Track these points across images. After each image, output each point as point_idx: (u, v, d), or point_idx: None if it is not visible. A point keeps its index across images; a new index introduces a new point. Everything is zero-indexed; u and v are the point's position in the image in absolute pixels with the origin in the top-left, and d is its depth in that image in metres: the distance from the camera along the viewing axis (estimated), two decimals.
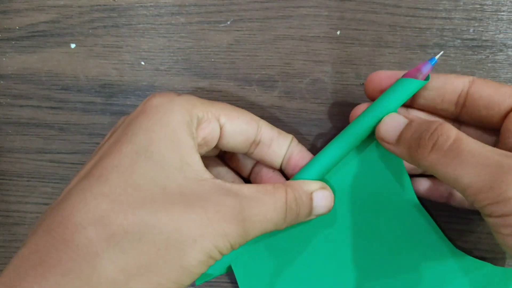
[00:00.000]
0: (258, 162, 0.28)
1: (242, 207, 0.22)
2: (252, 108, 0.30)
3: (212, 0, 0.30)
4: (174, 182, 0.21)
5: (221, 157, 0.29)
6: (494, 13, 0.29)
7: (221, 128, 0.24)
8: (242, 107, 0.30)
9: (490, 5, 0.29)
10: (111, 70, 0.30)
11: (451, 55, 0.29)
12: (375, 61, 0.29)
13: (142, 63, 0.30)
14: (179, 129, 0.22)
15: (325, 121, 0.30)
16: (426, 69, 0.24)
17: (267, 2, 0.29)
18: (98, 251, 0.19)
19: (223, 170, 0.28)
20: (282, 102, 0.30)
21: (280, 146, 0.26)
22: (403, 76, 0.24)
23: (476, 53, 0.29)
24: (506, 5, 0.29)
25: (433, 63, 0.24)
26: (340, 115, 0.30)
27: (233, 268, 0.27)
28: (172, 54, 0.30)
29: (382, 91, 0.25)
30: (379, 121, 0.24)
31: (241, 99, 0.30)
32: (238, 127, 0.25)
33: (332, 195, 0.25)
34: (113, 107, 0.30)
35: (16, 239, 0.31)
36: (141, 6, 0.30)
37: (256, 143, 0.26)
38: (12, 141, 0.31)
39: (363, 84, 0.29)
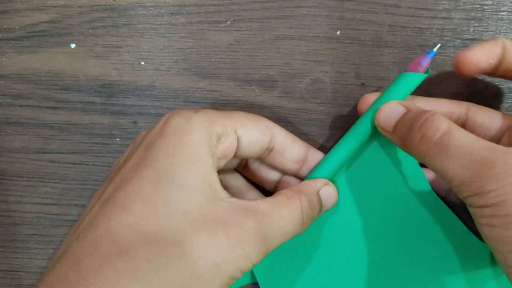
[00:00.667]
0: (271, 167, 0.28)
1: (261, 226, 0.22)
2: (252, 108, 0.30)
3: (212, 0, 0.30)
4: (196, 206, 0.21)
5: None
6: (494, 13, 0.29)
7: (238, 140, 0.25)
8: (242, 107, 0.30)
9: (490, 5, 0.29)
10: (111, 70, 0.30)
11: (451, 55, 0.29)
12: (375, 61, 0.29)
13: (142, 63, 0.30)
14: (199, 149, 0.22)
15: (325, 121, 0.30)
16: (425, 62, 0.25)
17: (267, 2, 0.29)
18: (126, 283, 0.19)
19: (234, 177, 0.29)
20: (282, 102, 0.30)
21: (292, 154, 0.27)
22: (405, 70, 0.25)
23: None
24: (506, 5, 0.29)
25: (432, 55, 0.25)
26: (340, 115, 0.30)
27: (254, 271, 0.28)
28: (172, 54, 0.30)
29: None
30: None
31: (241, 99, 0.30)
32: (254, 137, 0.25)
33: (336, 189, 0.26)
34: (113, 107, 0.30)
35: (16, 239, 0.31)
36: (141, 6, 0.30)
37: (269, 149, 0.26)
38: (12, 141, 0.31)
39: (363, 84, 0.29)
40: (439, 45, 0.25)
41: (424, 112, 0.23)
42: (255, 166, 0.28)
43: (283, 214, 0.23)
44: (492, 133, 0.25)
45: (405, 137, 0.23)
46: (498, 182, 0.20)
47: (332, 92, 0.30)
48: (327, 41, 0.29)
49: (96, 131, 0.31)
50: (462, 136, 0.21)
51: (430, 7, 0.29)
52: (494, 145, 0.21)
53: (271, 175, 0.28)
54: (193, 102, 0.30)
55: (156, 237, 0.20)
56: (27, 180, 0.31)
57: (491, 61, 0.24)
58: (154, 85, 0.30)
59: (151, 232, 0.20)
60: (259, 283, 0.28)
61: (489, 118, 0.26)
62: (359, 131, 0.26)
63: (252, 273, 0.28)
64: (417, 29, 0.29)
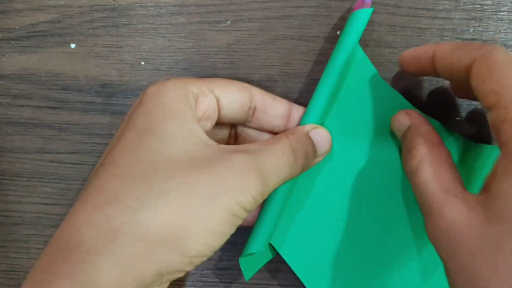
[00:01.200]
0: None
1: (253, 158, 0.22)
2: None
3: (212, 0, 0.30)
4: (180, 149, 0.21)
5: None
6: (494, 13, 0.29)
7: (217, 101, 0.25)
8: None
9: (490, 5, 0.29)
10: (111, 70, 0.30)
11: None
12: (375, 61, 0.29)
13: (142, 63, 0.30)
14: (176, 103, 0.23)
15: None
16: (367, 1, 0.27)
17: (267, 2, 0.29)
18: (116, 224, 0.19)
19: None
20: None
21: (275, 110, 0.27)
22: (353, 10, 0.27)
23: None
24: (506, 5, 0.29)
25: None
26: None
27: (273, 245, 0.28)
28: (172, 54, 0.30)
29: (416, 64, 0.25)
30: (349, 54, 0.26)
31: None
32: (232, 96, 0.25)
33: (326, 131, 0.26)
34: (113, 107, 0.30)
35: (16, 239, 0.31)
36: (141, 6, 0.30)
37: (252, 109, 0.27)
38: (12, 141, 0.31)
39: None
40: None
41: (415, 138, 0.24)
42: (245, 133, 0.28)
43: (273, 149, 0.23)
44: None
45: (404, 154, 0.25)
46: (431, 226, 0.22)
47: None
48: (327, 41, 0.29)
49: (96, 131, 0.31)
50: (425, 173, 0.23)
51: (430, 7, 0.29)
52: (446, 189, 0.22)
53: (262, 139, 0.28)
54: None
55: (143, 180, 0.20)
56: (27, 180, 0.31)
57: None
58: None
59: (137, 177, 0.20)
60: (286, 259, 0.28)
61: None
62: (332, 75, 0.26)
63: (271, 248, 0.28)
64: (417, 29, 0.29)
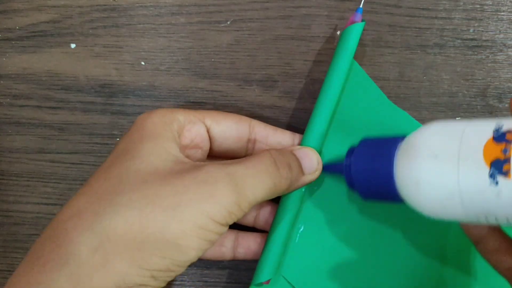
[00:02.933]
0: None
1: (222, 166, 0.21)
2: (252, 108, 0.30)
3: (212, 0, 0.30)
4: (149, 164, 0.21)
5: None
6: (494, 13, 0.29)
7: (208, 130, 0.25)
8: (242, 107, 0.30)
9: (490, 5, 0.29)
10: (111, 70, 0.30)
11: (451, 55, 0.29)
12: (375, 61, 0.29)
13: (142, 63, 0.30)
14: (156, 127, 0.23)
15: None
16: (358, 18, 0.27)
17: (267, 2, 0.29)
18: (73, 237, 0.19)
19: None
20: (282, 102, 0.30)
21: (277, 142, 0.27)
22: (343, 29, 0.27)
23: (476, 53, 0.29)
24: (506, 5, 0.29)
25: (360, 11, 0.27)
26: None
27: (287, 279, 0.27)
28: (172, 54, 0.30)
29: None
30: (345, 73, 0.26)
31: (241, 99, 0.30)
32: (227, 127, 0.25)
33: (313, 151, 0.25)
34: (113, 107, 0.30)
35: (16, 239, 0.31)
36: (141, 6, 0.30)
37: (252, 141, 0.26)
38: (12, 141, 0.31)
39: None
40: (362, 1, 0.27)
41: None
42: None
43: (251, 160, 0.22)
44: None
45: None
46: None
47: None
48: (327, 41, 0.29)
49: (96, 131, 0.31)
50: None
51: (430, 7, 0.29)
52: None
53: None
54: (193, 102, 0.30)
55: (105, 194, 0.20)
56: (27, 180, 0.31)
57: None
58: (154, 85, 0.30)
59: (101, 192, 0.21)
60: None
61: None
62: (329, 95, 0.26)
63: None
64: (417, 29, 0.29)
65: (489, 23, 0.29)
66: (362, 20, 0.27)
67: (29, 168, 0.31)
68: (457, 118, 0.29)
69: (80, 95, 0.30)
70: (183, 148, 0.24)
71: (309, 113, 0.30)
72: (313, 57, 0.29)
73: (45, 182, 0.31)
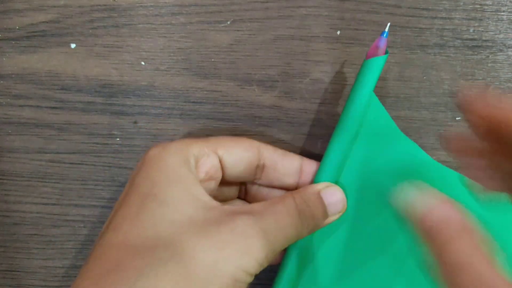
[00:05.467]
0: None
1: (256, 220, 0.22)
2: (252, 108, 0.30)
3: (212, 0, 0.30)
4: (182, 214, 0.21)
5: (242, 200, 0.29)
6: (494, 13, 0.29)
7: (220, 160, 0.25)
8: (242, 107, 0.30)
9: (490, 5, 0.29)
10: (111, 70, 0.30)
11: (451, 55, 0.29)
12: None
13: (142, 63, 0.30)
14: (178, 168, 0.23)
15: (325, 121, 0.30)
16: (382, 43, 0.25)
17: (267, 2, 0.29)
18: None
19: (236, 203, 0.29)
20: (282, 102, 0.30)
21: (286, 167, 0.26)
22: (366, 57, 0.25)
23: (476, 53, 0.29)
24: (506, 5, 0.29)
25: (385, 35, 0.25)
26: (340, 115, 0.30)
27: None
28: (172, 54, 0.30)
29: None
30: (364, 107, 0.25)
31: (241, 99, 0.30)
32: (237, 156, 0.25)
33: (341, 191, 0.25)
34: (113, 107, 0.30)
35: (16, 239, 0.31)
36: (141, 6, 0.30)
37: (260, 168, 0.26)
38: (12, 141, 0.31)
39: None
40: (389, 24, 0.26)
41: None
42: (255, 189, 0.28)
43: (277, 209, 0.23)
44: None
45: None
46: None
47: (332, 92, 0.30)
48: (327, 41, 0.29)
49: (96, 131, 0.31)
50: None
51: (430, 7, 0.29)
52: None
53: (273, 196, 0.28)
54: (193, 102, 0.30)
55: (144, 247, 0.20)
56: (27, 180, 0.31)
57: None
58: (154, 85, 0.30)
59: (139, 244, 0.20)
60: None
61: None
62: (347, 128, 0.26)
63: None
64: (417, 29, 0.29)
65: (489, 23, 0.29)
66: (386, 51, 0.25)
67: (29, 168, 0.31)
68: (457, 118, 0.29)
69: (80, 95, 0.30)
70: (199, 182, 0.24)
71: (310, 113, 0.30)
72: (313, 57, 0.29)
73: (45, 182, 0.31)
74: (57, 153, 0.31)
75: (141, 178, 0.23)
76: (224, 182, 0.26)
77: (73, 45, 0.30)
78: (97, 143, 0.31)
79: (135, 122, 0.30)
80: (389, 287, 0.27)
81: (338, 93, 0.29)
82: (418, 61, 0.29)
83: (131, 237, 0.21)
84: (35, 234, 0.31)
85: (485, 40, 0.29)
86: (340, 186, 0.26)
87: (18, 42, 0.30)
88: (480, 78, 0.29)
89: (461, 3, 0.29)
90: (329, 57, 0.29)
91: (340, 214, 0.25)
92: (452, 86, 0.29)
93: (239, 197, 0.29)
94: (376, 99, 0.26)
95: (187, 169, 0.23)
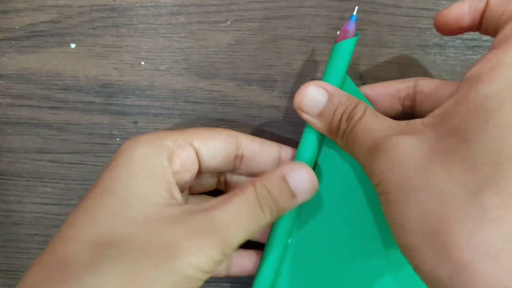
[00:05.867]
0: None
1: (211, 218, 0.21)
2: (252, 108, 0.30)
3: (212, 0, 0.30)
4: (138, 211, 0.21)
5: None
6: None
7: (197, 152, 0.25)
8: (242, 107, 0.30)
9: None
10: (111, 70, 0.30)
11: (451, 55, 0.29)
12: (375, 61, 0.29)
13: (142, 63, 0.30)
14: (145, 161, 0.22)
15: None
16: (351, 27, 0.25)
17: (267, 2, 0.29)
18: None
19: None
20: (282, 102, 0.30)
21: (264, 156, 0.26)
22: (335, 42, 0.25)
23: (476, 53, 0.29)
24: None
25: (354, 19, 0.25)
26: None
27: None
28: (172, 54, 0.30)
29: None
30: (339, 87, 0.25)
31: (241, 99, 0.30)
32: (214, 147, 0.25)
33: (308, 169, 0.24)
34: (113, 107, 0.30)
35: (16, 239, 0.31)
36: (141, 6, 0.30)
37: (239, 158, 0.26)
38: (12, 141, 0.31)
39: (363, 84, 0.29)
40: (357, 7, 0.26)
41: (348, 99, 0.24)
42: (235, 180, 0.28)
43: (236, 202, 0.22)
44: (442, 101, 0.24)
45: (330, 127, 0.24)
46: (379, 166, 0.21)
47: None
48: (327, 41, 0.29)
49: (96, 131, 0.31)
50: (368, 121, 0.22)
51: (430, 7, 0.29)
52: (392, 128, 0.22)
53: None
54: (193, 102, 0.30)
55: (95, 243, 0.20)
56: (27, 180, 0.31)
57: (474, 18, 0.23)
58: (154, 85, 0.30)
59: (90, 240, 0.20)
60: None
61: (435, 88, 0.25)
62: None
63: None
64: (417, 29, 0.29)
65: None
66: (356, 34, 0.25)
67: (29, 168, 0.31)
68: None
69: (80, 95, 0.30)
70: (173, 174, 0.24)
71: None
72: (313, 57, 0.29)
73: (45, 182, 0.31)
74: (57, 153, 0.31)
75: (106, 172, 0.23)
76: (202, 173, 0.26)
77: (73, 45, 0.30)
78: (97, 143, 0.31)
79: (135, 122, 0.30)
80: (375, 277, 0.27)
81: None
82: (418, 61, 0.29)
83: (84, 232, 0.21)
84: (35, 234, 0.31)
85: (485, 40, 0.29)
86: (319, 169, 0.26)
87: (18, 42, 0.31)
88: None
89: None
90: (329, 57, 0.29)
91: (311, 192, 0.24)
92: None
93: (218, 187, 0.29)
94: (350, 81, 0.26)
95: (156, 163, 0.23)
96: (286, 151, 0.27)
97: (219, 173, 0.28)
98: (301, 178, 0.24)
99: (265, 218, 0.23)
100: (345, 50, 0.25)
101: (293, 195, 0.24)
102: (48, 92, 0.31)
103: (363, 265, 0.26)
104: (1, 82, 0.31)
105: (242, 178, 0.28)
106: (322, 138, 0.26)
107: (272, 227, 0.26)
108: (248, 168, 0.27)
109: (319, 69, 0.29)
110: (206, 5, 0.30)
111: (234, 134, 0.26)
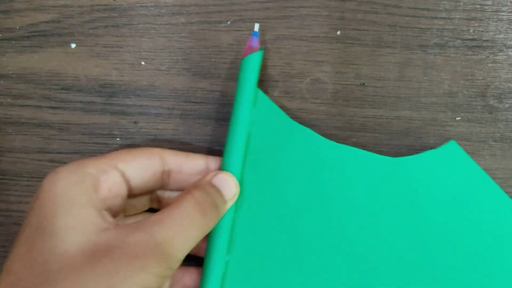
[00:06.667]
0: None
1: (149, 235, 0.21)
2: None
3: (212, 0, 0.30)
4: (72, 243, 0.21)
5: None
6: (494, 13, 0.29)
7: (123, 175, 0.24)
8: None
9: (490, 5, 0.29)
10: (112, 70, 0.30)
11: (451, 55, 0.29)
12: (375, 61, 0.29)
13: (143, 63, 0.30)
14: (67, 192, 0.22)
15: (325, 121, 0.30)
16: (255, 43, 0.27)
17: (267, 2, 0.29)
18: None
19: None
20: (282, 102, 0.30)
21: (191, 168, 0.27)
22: (242, 58, 0.27)
23: (476, 53, 0.29)
24: (506, 5, 0.29)
25: (256, 35, 0.28)
26: (340, 115, 0.30)
27: None
28: (172, 54, 0.30)
29: None
30: (250, 103, 0.27)
31: None
32: (139, 167, 0.25)
33: (229, 175, 0.26)
34: (114, 107, 0.30)
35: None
36: (142, 6, 0.30)
37: (166, 173, 0.26)
38: (12, 141, 0.31)
39: (363, 84, 0.29)
40: (258, 24, 0.28)
41: None
42: (167, 196, 0.28)
43: (174, 214, 0.22)
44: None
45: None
46: None
47: (332, 92, 0.30)
48: (327, 41, 0.29)
49: (96, 131, 0.31)
50: None
51: (430, 7, 0.29)
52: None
53: None
54: (193, 102, 0.30)
55: (33, 286, 0.20)
56: (28, 180, 0.31)
57: None
58: (154, 85, 0.30)
59: (28, 285, 0.20)
60: None
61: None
62: (238, 126, 0.27)
63: None
64: (417, 29, 0.29)
65: (489, 23, 0.29)
66: (260, 48, 0.27)
67: (29, 168, 0.31)
68: (457, 118, 0.29)
69: (80, 95, 0.30)
70: (102, 200, 0.23)
71: (309, 113, 0.30)
72: (313, 57, 0.29)
73: None
74: (58, 153, 0.31)
75: (32, 212, 0.22)
76: (133, 194, 0.26)
77: (73, 45, 0.30)
78: (98, 143, 0.31)
79: (136, 122, 0.30)
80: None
81: (338, 93, 0.30)
82: (418, 61, 0.29)
83: (21, 277, 0.20)
84: None
85: (485, 40, 0.29)
86: (245, 180, 0.27)
87: (18, 42, 0.31)
88: (480, 78, 0.29)
89: (461, 3, 0.29)
90: (329, 57, 0.29)
91: (235, 197, 0.26)
92: (452, 86, 0.29)
93: (152, 206, 0.28)
94: (262, 94, 0.27)
95: (79, 191, 0.22)
96: (213, 162, 0.27)
97: (150, 192, 0.28)
98: (226, 182, 0.25)
99: (209, 224, 0.23)
100: (252, 65, 0.27)
101: (224, 198, 0.25)
102: (48, 92, 0.31)
103: (306, 271, 0.27)
104: (2, 82, 0.31)
105: (174, 194, 0.28)
106: (244, 151, 0.27)
107: (208, 241, 0.26)
108: (177, 182, 0.27)
109: (319, 69, 0.29)
110: (207, 5, 0.30)
111: (156, 150, 0.26)
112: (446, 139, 0.29)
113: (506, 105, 0.29)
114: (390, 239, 0.27)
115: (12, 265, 0.21)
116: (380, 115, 0.30)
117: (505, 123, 0.29)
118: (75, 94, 0.31)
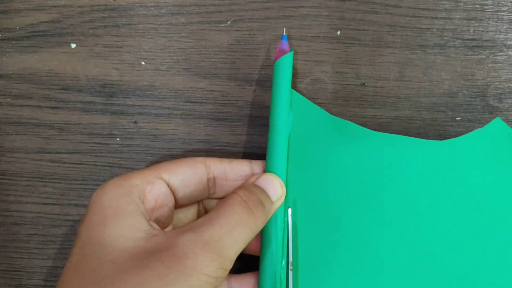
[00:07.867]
0: None
1: (198, 235, 0.21)
2: (252, 108, 0.30)
3: (212, 0, 0.30)
4: (121, 250, 0.21)
5: None
6: (494, 13, 0.29)
7: (168, 185, 0.25)
8: (242, 107, 0.30)
9: (490, 5, 0.29)
10: (112, 70, 0.30)
11: (451, 55, 0.29)
12: (375, 61, 0.29)
13: (143, 63, 0.30)
14: (114, 203, 0.22)
15: None
16: (285, 45, 0.28)
17: (267, 2, 0.29)
18: None
19: None
20: None
21: (236, 174, 0.26)
22: (275, 61, 0.27)
23: (476, 53, 0.29)
24: (506, 5, 0.29)
25: (285, 38, 0.28)
26: (340, 115, 0.30)
27: None
28: (172, 54, 0.30)
29: None
30: (287, 105, 0.27)
31: (241, 99, 0.30)
32: (184, 176, 0.25)
33: (272, 175, 0.26)
34: (113, 107, 0.30)
35: (16, 239, 0.31)
36: (142, 6, 0.30)
37: (212, 181, 0.26)
38: (12, 141, 0.31)
39: (363, 84, 0.29)
40: (285, 28, 0.29)
41: None
42: (213, 205, 0.28)
43: (222, 212, 0.22)
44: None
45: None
46: None
47: (332, 92, 0.30)
48: (327, 41, 0.29)
49: (96, 131, 0.31)
50: None
51: (430, 7, 0.29)
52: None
53: None
54: (193, 102, 0.30)
55: None
56: (27, 180, 0.31)
57: None
58: (154, 85, 0.30)
59: None
60: None
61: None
62: (278, 128, 0.27)
63: None
64: (417, 29, 0.29)
65: (489, 23, 0.29)
66: (290, 49, 0.27)
67: (29, 168, 0.31)
68: (457, 118, 0.29)
69: (80, 95, 0.30)
70: (150, 211, 0.24)
71: None
72: (313, 57, 0.29)
73: (45, 182, 0.31)
74: (57, 153, 0.31)
75: (82, 225, 0.23)
76: (179, 205, 0.26)
77: (73, 45, 0.30)
78: (97, 143, 0.31)
79: (136, 122, 0.30)
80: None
81: (338, 93, 0.29)
82: (418, 61, 0.29)
83: (74, 287, 0.20)
84: (35, 234, 0.31)
85: (485, 40, 0.29)
86: (292, 181, 0.27)
87: (18, 42, 0.31)
88: (480, 78, 0.29)
89: (461, 3, 0.29)
90: (329, 57, 0.29)
91: (282, 198, 0.26)
92: (452, 86, 0.29)
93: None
94: (297, 94, 0.28)
95: (127, 201, 0.22)
96: (257, 165, 0.27)
97: (197, 203, 0.28)
98: (270, 183, 0.25)
99: (257, 222, 0.23)
100: (285, 66, 0.27)
101: (270, 198, 0.25)
102: (48, 92, 0.31)
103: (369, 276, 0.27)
104: (2, 82, 0.31)
105: None
106: (288, 145, 0.27)
107: (261, 246, 0.26)
108: (223, 189, 0.27)
109: (319, 69, 0.29)
110: (207, 5, 0.30)
111: (200, 159, 0.26)
112: (446, 139, 0.29)
113: (506, 105, 0.29)
114: (452, 225, 0.26)
115: (64, 277, 0.21)
116: (380, 115, 0.30)
117: (505, 123, 0.29)
118: (75, 94, 0.31)
